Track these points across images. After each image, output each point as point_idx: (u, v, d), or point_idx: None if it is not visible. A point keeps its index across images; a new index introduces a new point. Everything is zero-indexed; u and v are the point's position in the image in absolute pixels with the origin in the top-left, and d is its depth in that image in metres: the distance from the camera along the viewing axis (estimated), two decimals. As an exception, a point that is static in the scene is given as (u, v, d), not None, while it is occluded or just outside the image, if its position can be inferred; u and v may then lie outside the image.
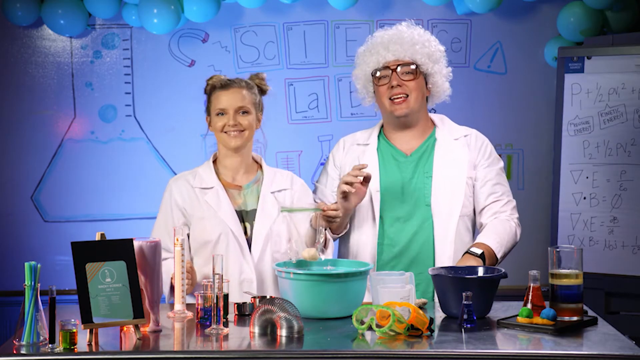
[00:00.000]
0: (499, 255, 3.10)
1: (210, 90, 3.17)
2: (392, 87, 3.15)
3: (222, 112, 3.12)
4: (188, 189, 3.16)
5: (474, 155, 3.21)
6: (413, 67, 3.15)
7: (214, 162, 3.24)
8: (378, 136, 3.28)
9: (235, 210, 3.14)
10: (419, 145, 3.22)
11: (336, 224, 3.13)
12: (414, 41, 3.16)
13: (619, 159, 4.26)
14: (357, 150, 3.29)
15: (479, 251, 3.03)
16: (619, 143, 4.27)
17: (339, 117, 4.76)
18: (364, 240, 3.20)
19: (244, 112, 3.12)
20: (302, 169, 4.69)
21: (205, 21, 4.55)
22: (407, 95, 3.15)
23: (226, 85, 3.14)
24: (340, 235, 3.24)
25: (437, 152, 3.19)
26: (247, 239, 3.12)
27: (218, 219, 3.10)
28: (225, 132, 3.12)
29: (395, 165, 3.21)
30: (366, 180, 3.08)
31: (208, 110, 3.19)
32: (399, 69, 3.15)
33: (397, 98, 3.15)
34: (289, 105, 4.73)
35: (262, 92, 3.22)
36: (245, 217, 3.15)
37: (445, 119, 3.31)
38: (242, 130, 3.12)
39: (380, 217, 3.18)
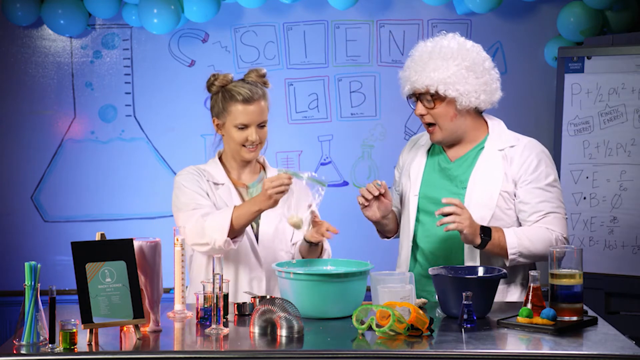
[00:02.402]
0: (511, 252, 2.95)
1: (227, 97, 3.08)
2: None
3: (243, 127, 3.08)
4: (203, 180, 3.13)
5: (515, 169, 3.05)
6: (431, 95, 3.03)
7: (219, 158, 3.23)
8: None
9: None
10: (465, 153, 3.12)
11: (382, 227, 3.17)
12: (429, 68, 3.01)
13: (619, 159, 4.26)
14: (415, 151, 3.24)
15: (488, 231, 2.93)
16: (619, 143, 4.27)
17: (339, 117, 4.76)
18: (402, 242, 3.19)
19: (262, 125, 3.10)
20: (302, 169, 4.69)
21: (205, 21, 4.55)
22: (435, 122, 3.07)
23: (249, 100, 3.06)
24: (392, 237, 3.26)
25: (479, 163, 3.08)
26: (254, 237, 3.13)
27: None
28: (244, 146, 3.09)
29: (438, 171, 3.14)
30: (384, 194, 3.06)
31: (217, 114, 3.12)
32: (421, 97, 3.06)
33: (427, 126, 3.09)
34: (289, 105, 4.73)
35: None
36: None
37: (499, 126, 3.17)
38: (259, 143, 3.11)
39: (420, 220, 3.13)
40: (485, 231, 2.94)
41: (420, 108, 3.06)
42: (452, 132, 3.08)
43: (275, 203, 2.95)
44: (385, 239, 3.30)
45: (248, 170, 3.20)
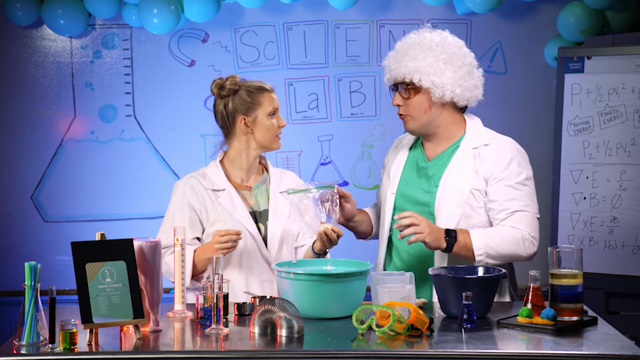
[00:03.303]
0: (477, 253, 2.94)
1: (253, 90, 3.14)
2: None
3: (274, 113, 3.16)
4: (202, 191, 3.14)
5: (486, 167, 3.05)
6: (406, 85, 3.06)
7: (221, 161, 3.23)
8: (418, 138, 3.22)
9: (249, 212, 3.14)
10: (441, 152, 3.13)
11: (352, 229, 3.22)
12: (407, 57, 3.05)
13: (619, 159, 4.26)
14: (397, 150, 3.26)
15: (452, 233, 2.93)
16: (619, 143, 4.27)
17: (339, 117, 4.76)
18: (380, 241, 3.21)
19: None
20: (302, 169, 4.70)
21: (205, 21, 4.55)
22: (408, 113, 3.09)
23: (272, 89, 3.19)
24: (369, 238, 3.30)
25: (453, 161, 3.08)
26: (262, 239, 3.14)
27: (234, 221, 3.10)
28: (276, 136, 3.16)
29: (415, 169, 3.16)
30: (346, 199, 3.10)
31: (246, 111, 3.13)
32: (399, 87, 3.09)
33: (401, 115, 3.12)
34: (289, 105, 4.73)
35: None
36: (258, 217, 3.16)
37: (476, 124, 3.16)
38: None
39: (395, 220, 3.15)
40: (451, 234, 2.94)
41: (397, 98, 3.10)
42: (424, 124, 3.09)
43: (224, 254, 3.01)
44: (362, 240, 3.33)
45: (252, 172, 3.21)
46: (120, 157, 4.70)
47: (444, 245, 2.93)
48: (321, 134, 4.76)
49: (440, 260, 3.03)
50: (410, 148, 3.23)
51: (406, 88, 3.07)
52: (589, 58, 4.35)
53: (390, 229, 3.14)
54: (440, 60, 3.03)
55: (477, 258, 2.95)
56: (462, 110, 3.15)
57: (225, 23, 4.69)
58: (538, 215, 3.06)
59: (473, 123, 3.16)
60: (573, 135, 4.38)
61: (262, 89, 3.16)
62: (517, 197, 3.02)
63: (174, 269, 2.87)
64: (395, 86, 3.11)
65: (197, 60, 4.70)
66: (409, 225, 2.89)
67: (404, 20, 4.70)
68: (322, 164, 4.77)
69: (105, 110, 4.70)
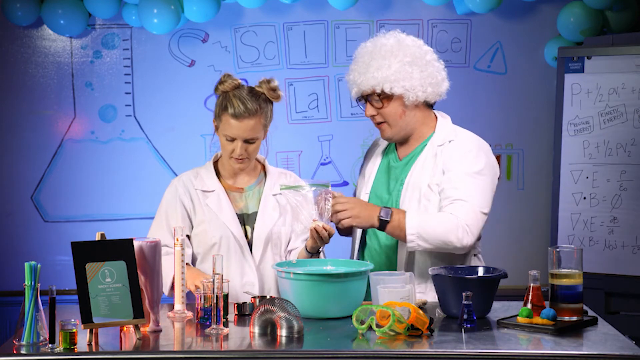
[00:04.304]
0: (409, 232, 2.91)
1: (223, 105, 3.06)
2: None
3: (230, 139, 3.06)
4: (192, 191, 3.15)
5: (445, 159, 3.04)
6: (378, 95, 3.05)
7: (216, 162, 3.23)
8: None
9: (237, 214, 3.14)
10: (411, 151, 3.14)
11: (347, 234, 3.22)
12: (372, 68, 3.02)
13: (619, 159, 4.26)
14: (373, 151, 3.29)
15: (388, 210, 2.93)
16: (619, 143, 4.27)
17: (339, 117, 4.76)
18: (352, 240, 3.24)
19: (251, 142, 3.07)
20: (302, 169, 4.70)
21: (205, 21, 4.55)
22: (385, 121, 3.08)
23: (238, 116, 3.01)
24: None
25: (418, 161, 3.09)
26: (248, 242, 3.13)
27: (219, 222, 3.10)
28: (231, 157, 3.09)
29: (386, 170, 3.18)
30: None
31: (215, 117, 3.10)
32: (369, 98, 3.08)
33: (377, 123, 3.11)
34: (289, 105, 4.73)
35: (270, 100, 3.11)
36: (246, 220, 3.15)
37: (445, 122, 3.15)
38: (247, 158, 3.10)
39: None
40: (384, 213, 2.93)
41: (370, 109, 3.09)
42: (401, 129, 3.10)
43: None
44: (345, 236, 3.32)
45: (245, 173, 3.20)
46: (120, 157, 4.70)
47: (377, 224, 2.93)
48: (321, 134, 4.76)
49: (404, 259, 3.04)
50: (386, 149, 3.24)
51: (377, 98, 3.05)
52: (589, 58, 4.35)
53: (365, 230, 3.16)
54: (406, 64, 3.02)
55: (409, 238, 2.93)
56: (432, 105, 3.16)
57: (225, 23, 4.68)
58: (484, 210, 3.00)
59: (443, 122, 3.16)
60: (573, 135, 4.38)
61: (226, 109, 3.04)
62: (462, 187, 2.98)
63: (172, 270, 2.88)
64: (364, 97, 3.10)
65: (197, 60, 4.70)
66: (337, 212, 2.91)
67: (404, 20, 4.70)
68: (322, 164, 4.77)
69: (105, 110, 4.70)
